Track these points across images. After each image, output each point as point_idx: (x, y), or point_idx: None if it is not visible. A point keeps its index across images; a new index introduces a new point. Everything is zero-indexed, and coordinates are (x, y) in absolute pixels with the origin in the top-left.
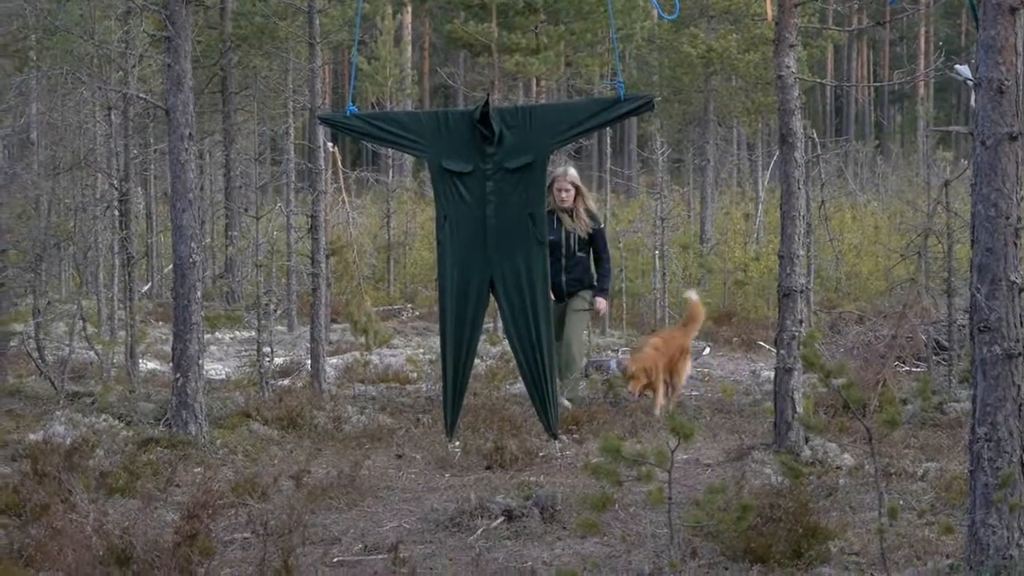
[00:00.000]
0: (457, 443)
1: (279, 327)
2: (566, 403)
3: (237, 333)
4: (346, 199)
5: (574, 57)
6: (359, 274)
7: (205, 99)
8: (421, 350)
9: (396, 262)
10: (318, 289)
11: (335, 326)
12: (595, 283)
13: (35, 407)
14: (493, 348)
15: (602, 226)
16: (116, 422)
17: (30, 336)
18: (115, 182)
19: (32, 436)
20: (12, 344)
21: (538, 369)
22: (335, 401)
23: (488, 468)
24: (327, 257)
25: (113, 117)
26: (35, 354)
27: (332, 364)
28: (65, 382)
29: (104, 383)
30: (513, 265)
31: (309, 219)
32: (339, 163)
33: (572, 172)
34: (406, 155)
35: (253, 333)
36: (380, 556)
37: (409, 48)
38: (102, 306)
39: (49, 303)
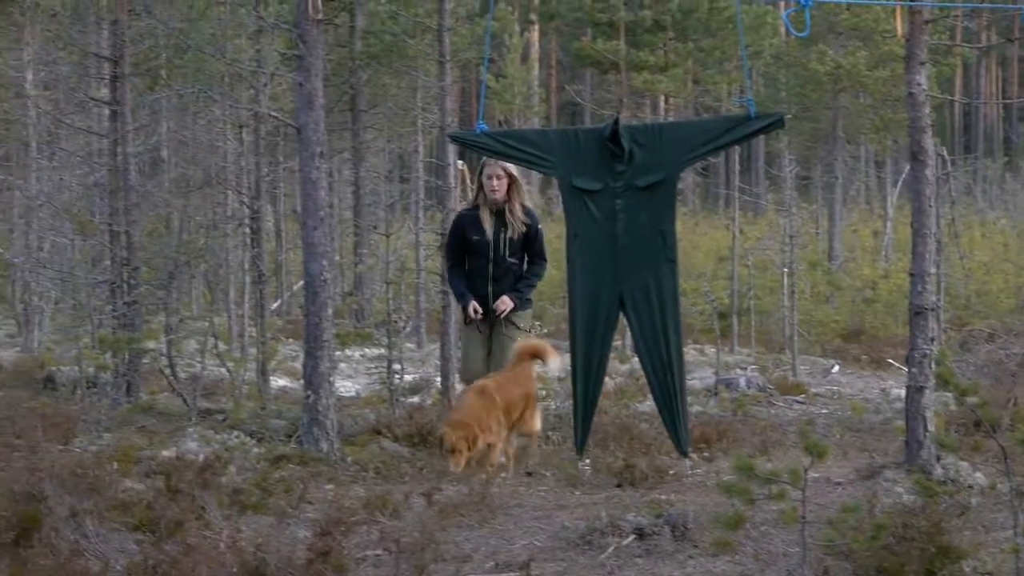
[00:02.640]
0: (587, 461)
1: (408, 344)
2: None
3: (367, 350)
4: None
5: (702, 74)
6: None
7: (335, 117)
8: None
9: None
10: (448, 307)
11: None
12: (527, 296)
13: (167, 424)
14: (622, 366)
15: (540, 225)
16: (248, 439)
17: (162, 353)
18: (246, 200)
19: (165, 453)
20: (145, 361)
21: (668, 387)
22: None
23: (618, 486)
24: None
25: (244, 135)
26: (167, 371)
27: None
28: (197, 399)
29: (236, 400)
30: (643, 282)
31: (439, 236)
32: (468, 181)
33: None
34: (533, 172)
35: (383, 350)
36: (512, 574)
37: (536, 66)
38: (233, 323)
39: (181, 320)
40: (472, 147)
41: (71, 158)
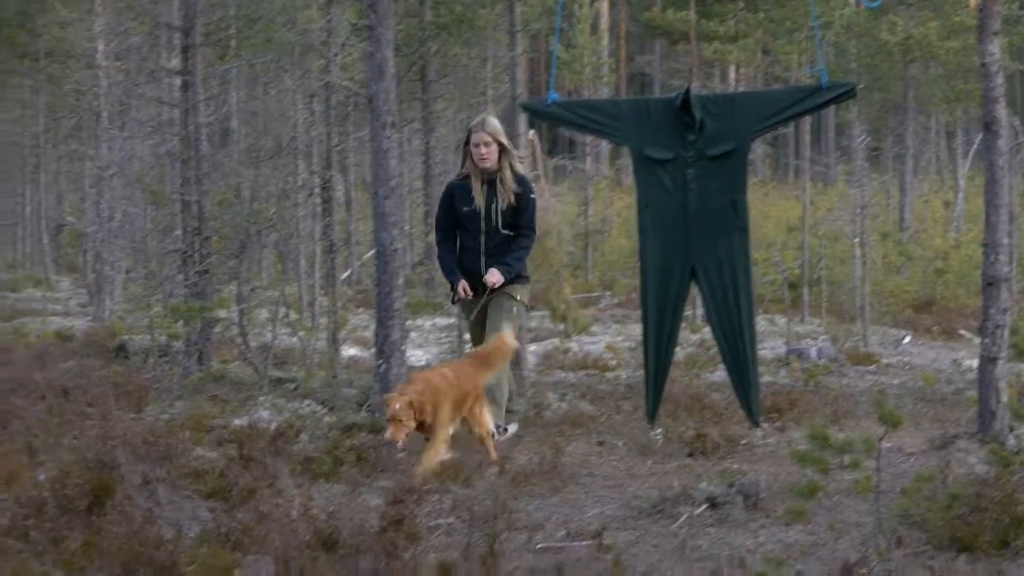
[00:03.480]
0: (658, 430)
1: None
2: (512, 428)
3: (437, 320)
4: (545, 186)
5: (772, 44)
6: (558, 261)
7: (405, 87)
8: (620, 337)
9: (594, 249)
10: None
11: (534, 313)
12: (523, 271)
13: (239, 392)
14: (693, 335)
15: (532, 194)
16: (319, 407)
17: (234, 322)
18: (317, 170)
19: (237, 421)
20: (216, 330)
21: (740, 356)
22: (535, 388)
23: (690, 455)
24: None
25: (315, 105)
26: (239, 340)
27: (531, 351)
28: (268, 368)
29: (307, 369)
30: (714, 252)
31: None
32: (538, 150)
33: (493, 122)
34: (603, 142)
35: (453, 320)
36: (584, 542)
37: (606, 36)
38: (303, 293)
39: (253, 290)
40: (543, 116)
41: (142, 128)
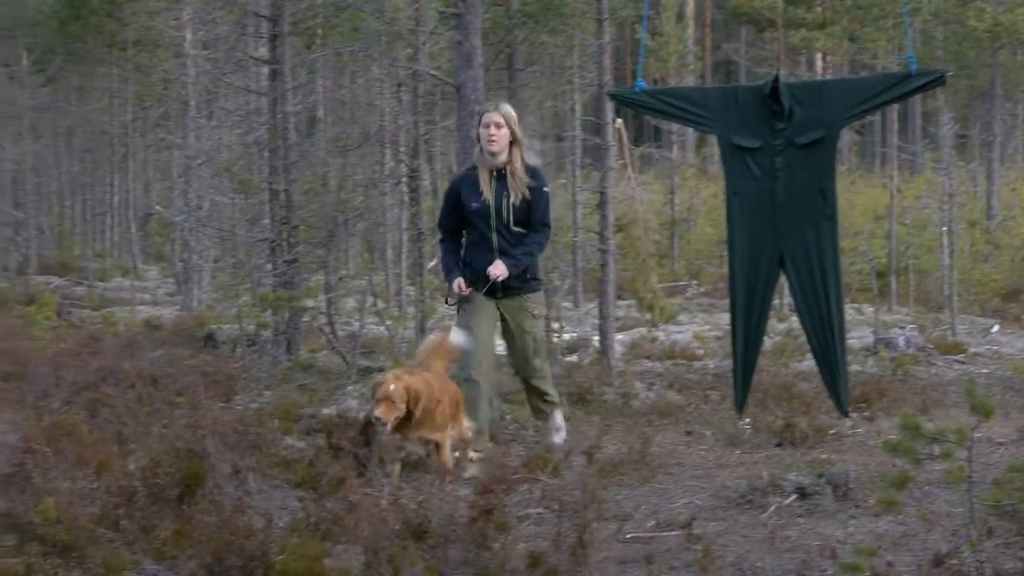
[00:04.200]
0: (747, 420)
1: (565, 303)
2: (557, 439)
3: None
4: (632, 175)
5: (859, 32)
6: (644, 250)
7: (491, 75)
8: (707, 326)
9: (680, 238)
10: (606, 265)
11: (620, 302)
12: (535, 273)
13: (327, 382)
14: (780, 324)
15: (546, 187)
16: None
17: (322, 311)
18: (404, 158)
19: (325, 410)
20: (305, 319)
21: (828, 345)
22: (623, 377)
23: (778, 445)
24: (614, 233)
25: (402, 94)
26: (327, 329)
27: (619, 340)
28: (356, 357)
29: (394, 358)
30: (803, 241)
31: (598, 195)
32: (625, 139)
33: (507, 107)
34: (689, 130)
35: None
36: (673, 533)
37: (692, 24)
38: (390, 281)
39: (340, 279)
40: (631, 104)
41: (230, 117)
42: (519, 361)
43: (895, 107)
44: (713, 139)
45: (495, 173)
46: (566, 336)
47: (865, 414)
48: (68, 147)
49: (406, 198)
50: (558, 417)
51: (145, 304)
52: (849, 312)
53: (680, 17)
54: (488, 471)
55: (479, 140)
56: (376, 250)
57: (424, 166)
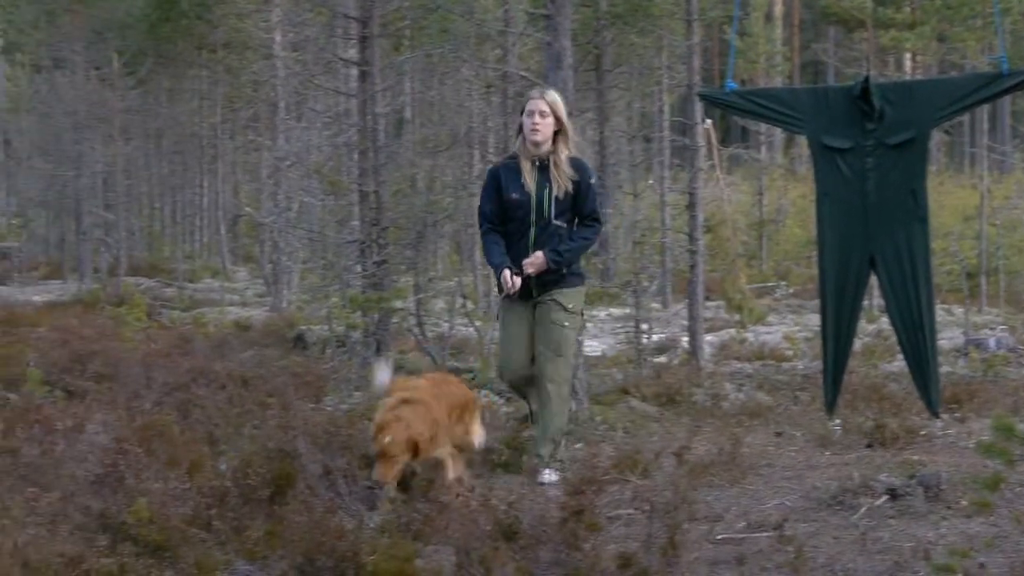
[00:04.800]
0: (837, 421)
1: (654, 304)
2: (548, 476)
3: (612, 310)
4: (720, 176)
5: (949, 32)
6: (733, 251)
7: (579, 77)
8: (797, 327)
9: (768, 239)
10: (696, 266)
11: (708, 303)
12: (578, 268)
13: None
14: (870, 325)
15: (593, 179)
16: (496, 398)
17: (411, 312)
18: (493, 159)
19: None
20: (394, 321)
21: (919, 346)
22: (713, 378)
23: (869, 446)
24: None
25: (491, 95)
26: (416, 330)
27: (708, 341)
28: (446, 358)
29: (483, 359)
30: (894, 242)
31: (687, 196)
32: (714, 140)
33: (553, 94)
34: (777, 131)
35: (628, 310)
36: (764, 534)
37: (780, 24)
38: (479, 283)
39: (430, 280)
40: (721, 105)
41: (319, 118)
42: (540, 359)
43: (985, 107)
44: (802, 140)
45: (537, 163)
46: (654, 337)
47: (956, 415)
48: (158, 149)
49: None
50: (546, 453)
51: (234, 305)
52: (939, 313)
53: (768, 18)
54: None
55: (521, 129)
56: (464, 251)
57: None
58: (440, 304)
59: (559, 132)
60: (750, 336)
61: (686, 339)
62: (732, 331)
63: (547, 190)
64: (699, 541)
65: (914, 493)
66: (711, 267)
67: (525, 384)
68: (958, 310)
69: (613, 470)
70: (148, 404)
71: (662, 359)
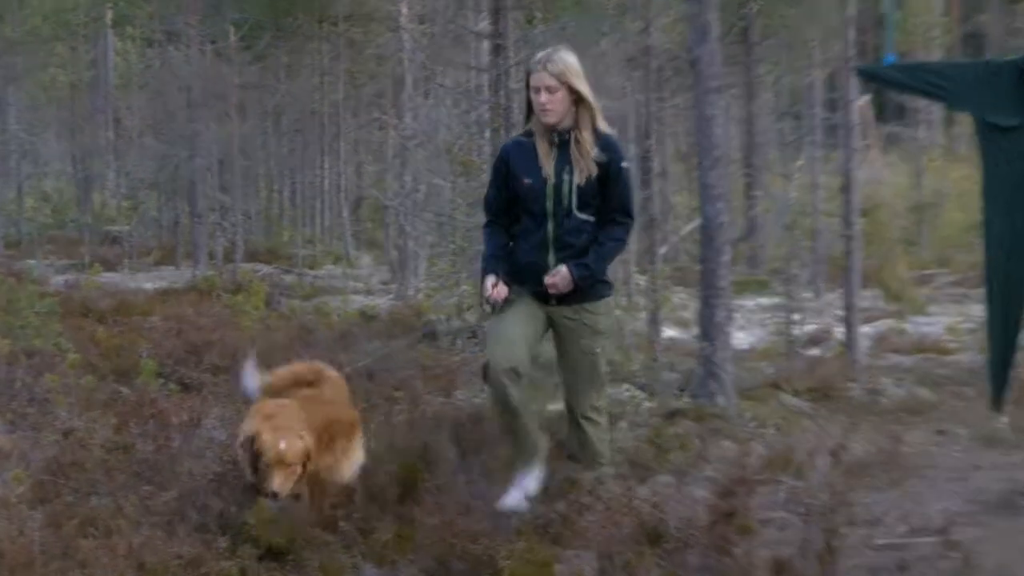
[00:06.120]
0: (1004, 418)
1: (805, 293)
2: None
3: (760, 300)
4: (877, 156)
5: None
6: (890, 237)
7: (724, 50)
8: (960, 318)
9: (928, 224)
10: (851, 252)
11: (864, 292)
12: (599, 271)
13: (554, 377)
14: None
15: (624, 162)
16: (638, 392)
17: None
18: (634, 139)
19: (551, 406)
20: None
21: None
22: (869, 372)
23: None
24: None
25: (632, 70)
26: None
27: (864, 332)
28: None
29: (624, 351)
30: None
31: (841, 177)
32: (870, 118)
33: (562, 59)
34: (936, 108)
35: (777, 299)
36: (927, 539)
37: None
38: (618, 270)
39: None
40: (879, 80)
41: (449, 94)
42: (570, 391)
43: None
44: (964, 117)
45: (556, 140)
46: (806, 328)
47: None
48: (276, 128)
49: (639, 181)
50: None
51: (358, 293)
52: None
53: None
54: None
55: (531, 105)
56: None
57: (655, 147)
58: None
59: (580, 102)
60: (909, 327)
61: (840, 330)
62: (890, 322)
63: (567, 174)
64: (858, 546)
65: None
66: (866, 253)
67: (517, 386)
68: None
69: (765, 470)
70: None
71: (815, 351)
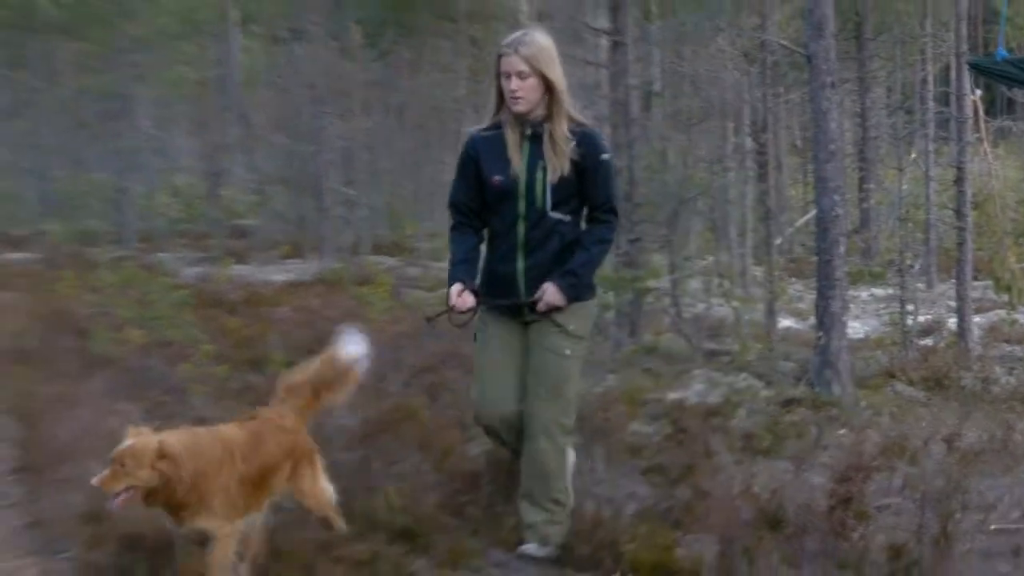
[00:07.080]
0: None
1: (918, 284)
2: (531, 549)
3: (874, 291)
4: (988, 149)
5: None
6: (1001, 228)
7: (838, 46)
8: None
9: None
10: (964, 244)
11: (975, 283)
12: (587, 281)
13: (672, 365)
14: None
15: (605, 154)
16: (756, 381)
17: (665, 293)
18: (750, 133)
19: (672, 395)
20: (648, 300)
21: None
22: (982, 361)
23: None
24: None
25: (748, 65)
26: (671, 311)
27: (976, 323)
28: (702, 340)
29: (741, 341)
30: None
31: (953, 170)
32: (981, 112)
33: (534, 41)
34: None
35: (891, 290)
36: None
37: None
38: (734, 261)
39: (687, 259)
40: (991, 75)
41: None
42: (531, 395)
43: None
44: None
45: (528, 134)
46: (920, 318)
47: None
48: (400, 124)
49: (752, 174)
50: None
51: None
52: None
53: None
54: None
55: (501, 93)
56: (719, 229)
57: (771, 140)
58: (695, 284)
59: (551, 91)
60: (1020, 318)
61: (953, 321)
62: (1001, 312)
63: (540, 171)
64: (972, 532)
65: None
66: (978, 245)
67: (509, 431)
68: None
69: (880, 457)
70: (395, 386)
71: (928, 341)
